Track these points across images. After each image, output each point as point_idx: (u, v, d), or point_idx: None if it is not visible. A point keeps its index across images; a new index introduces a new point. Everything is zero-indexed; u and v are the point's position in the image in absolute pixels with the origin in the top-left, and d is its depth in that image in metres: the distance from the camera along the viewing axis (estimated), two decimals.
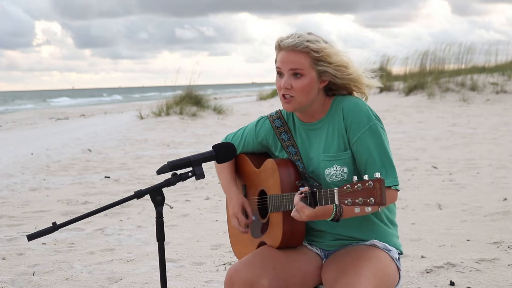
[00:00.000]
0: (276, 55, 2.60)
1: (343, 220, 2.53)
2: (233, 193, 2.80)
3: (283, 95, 2.56)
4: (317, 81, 2.55)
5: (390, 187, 2.47)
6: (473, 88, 19.67)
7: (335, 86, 2.61)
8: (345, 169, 2.54)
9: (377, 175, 2.12)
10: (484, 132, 12.84)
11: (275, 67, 2.62)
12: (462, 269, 4.36)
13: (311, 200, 2.31)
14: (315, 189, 2.31)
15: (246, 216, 2.77)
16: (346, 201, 2.16)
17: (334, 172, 2.54)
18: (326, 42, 2.54)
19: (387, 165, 2.49)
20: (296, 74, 2.52)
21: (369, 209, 2.13)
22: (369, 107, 2.57)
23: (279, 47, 2.56)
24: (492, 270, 4.35)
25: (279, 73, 2.57)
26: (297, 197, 2.36)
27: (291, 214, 2.41)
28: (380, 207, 2.11)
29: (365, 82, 2.61)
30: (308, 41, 2.50)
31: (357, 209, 2.14)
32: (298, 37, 2.51)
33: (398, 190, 2.52)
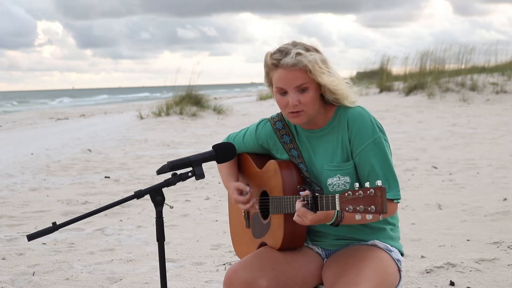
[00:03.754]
0: (270, 72, 2.53)
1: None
2: (230, 184, 2.78)
3: (291, 112, 2.52)
4: (319, 91, 2.53)
5: (392, 200, 2.48)
6: (473, 88, 19.68)
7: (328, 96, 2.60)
8: (347, 179, 2.54)
9: (379, 183, 2.11)
10: (484, 132, 12.84)
11: (271, 85, 2.55)
12: (462, 269, 4.36)
13: (313, 204, 2.31)
14: (316, 194, 2.31)
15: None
16: (347, 208, 2.15)
17: (337, 182, 2.54)
18: (317, 51, 2.50)
19: (390, 179, 2.49)
20: (302, 89, 2.49)
21: (370, 216, 2.11)
22: (374, 118, 2.56)
23: (276, 65, 2.49)
24: (492, 270, 4.35)
25: (282, 93, 2.51)
26: (298, 204, 2.36)
27: (294, 219, 2.41)
28: (381, 215, 2.11)
29: (350, 99, 2.58)
30: (308, 61, 2.44)
31: (358, 216, 2.14)
32: (296, 56, 2.45)
33: (398, 203, 2.53)
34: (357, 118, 2.54)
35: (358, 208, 2.12)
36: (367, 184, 2.14)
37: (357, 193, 2.13)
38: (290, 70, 2.47)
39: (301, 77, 2.47)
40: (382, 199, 2.08)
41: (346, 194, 2.16)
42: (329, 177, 2.56)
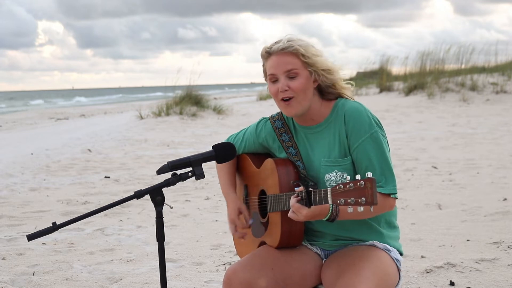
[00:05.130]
0: (265, 63, 2.60)
1: (342, 222, 2.54)
2: (230, 199, 2.81)
3: (282, 99, 2.55)
4: (311, 80, 2.56)
5: (389, 195, 2.48)
6: (473, 88, 19.68)
7: (325, 89, 2.62)
8: (345, 175, 2.54)
9: (369, 174, 2.12)
10: (484, 132, 12.85)
11: (265, 77, 2.61)
12: (462, 269, 4.36)
13: (306, 200, 2.32)
14: (310, 189, 2.32)
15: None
16: (339, 201, 2.16)
17: (334, 177, 2.55)
18: (313, 46, 2.56)
19: (387, 173, 2.49)
20: (291, 76, 2.53)
21: (361, 209, 2.13)
22: (371, 113, 2.57)
23: (268, 53, 2.57)
24: (492, 270, 4.35)
25: (273, 80, 2.56)
26: (293, 199, 2.37)
27: (288, 215, 2.42)
28: (372, 206, 2.11)
29: (342, 86, 2.63)
30: (299, 45, 2.53)
31: (349, 209, 2.15)
32: (287, 41, 2.54)
33: (396, 198, 2.53)
34: (354, 113, 2.55)
35: (349, 200, 2.13)
36: (358, 177, 2.14)
37: (347, 186, 2.14)
38: (281, 54, 2.53)
39: (291, 62, 2.52)
40: (372, 190, 2.09)
41: (338, 187, 2.18)
42: (327, 172, 2.56)
